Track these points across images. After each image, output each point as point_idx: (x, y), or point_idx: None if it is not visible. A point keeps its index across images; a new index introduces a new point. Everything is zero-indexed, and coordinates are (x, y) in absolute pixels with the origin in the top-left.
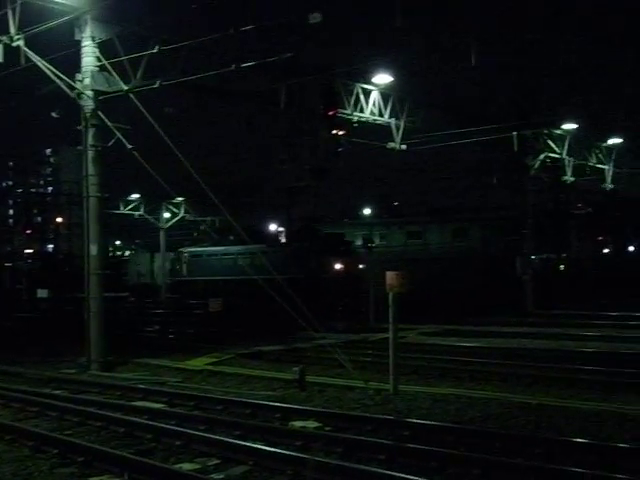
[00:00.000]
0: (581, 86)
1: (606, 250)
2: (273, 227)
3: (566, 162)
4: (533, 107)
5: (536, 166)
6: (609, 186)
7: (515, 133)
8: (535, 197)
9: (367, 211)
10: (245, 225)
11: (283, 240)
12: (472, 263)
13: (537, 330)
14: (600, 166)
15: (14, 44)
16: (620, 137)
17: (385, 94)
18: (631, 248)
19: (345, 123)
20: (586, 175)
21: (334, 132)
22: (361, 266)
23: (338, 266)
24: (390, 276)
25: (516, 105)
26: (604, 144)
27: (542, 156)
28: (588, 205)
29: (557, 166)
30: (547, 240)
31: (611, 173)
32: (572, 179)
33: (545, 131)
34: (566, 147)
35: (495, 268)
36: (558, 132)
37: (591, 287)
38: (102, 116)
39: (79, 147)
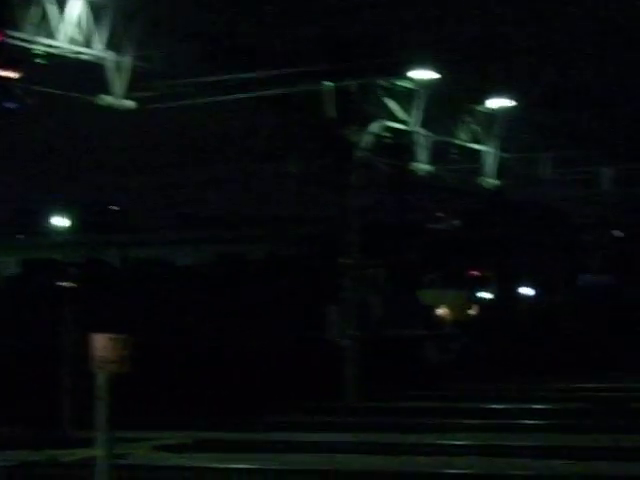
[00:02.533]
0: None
1: (486, 295)
2: None
3: (418, 138)
4: (361, 42)
5: (365, 143)
6: (490, 182)
7: (329, 84)
8: (363, 198)
9: (59, 220)
10: None
11: None
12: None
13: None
14: (476, 146)
15: None
16: (509, 97)
17: (96, 4)
18: (528, 291)
19: (21, 57)
20: (452, 161)
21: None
22: None
23: None
24: (100, 343)
25: (332, 37)
26: (482, 108)
27: (376, 126)
28: (455, 214)
29: (402, 145)
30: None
31: (494, 159)
32: (428, 167)
33: (383, 83)
34: (418, 112)
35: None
36: (405, 85)
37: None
38: None
39: None
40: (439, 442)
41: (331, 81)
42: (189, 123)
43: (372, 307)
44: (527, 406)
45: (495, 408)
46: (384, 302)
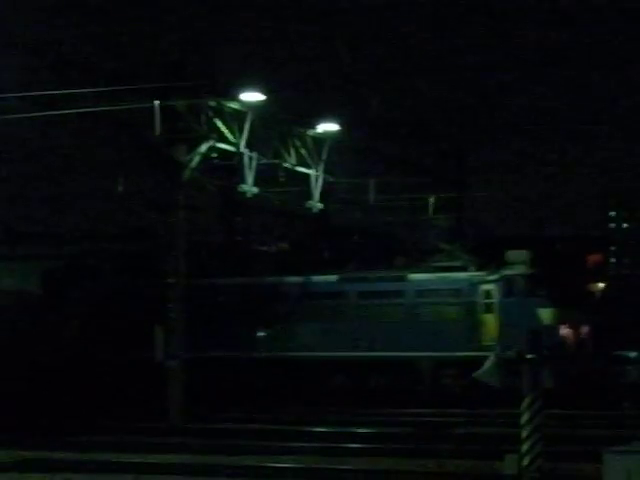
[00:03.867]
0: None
1: None
2: None
3: (246, 160)
4: (191, 63)
5: (194, 163)
6: (316, 205)
7: (157, 103)
8: (196, 220)
9: None
10: None
11: None
12: None
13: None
14: (303, 170)
15: None
16: (335, 122)
17: None
18: None
19: None
20: (280, 184)
21: None
22: None
23: None
24: None
25: (163, 56)
26: (311, 132)
27: (205, 147)
28: (283, 237)
29: (230, 166)
30: None
31: (320, 183)
32: (255, 189)
33: (212, 104)
34: (246, 134)
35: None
36: (234, 107)
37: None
38: None
39: None
40: (262, 464)
41: (160, 99)
42: (14, 137)
43: None
44: (351, 430)
45: (320, 431)
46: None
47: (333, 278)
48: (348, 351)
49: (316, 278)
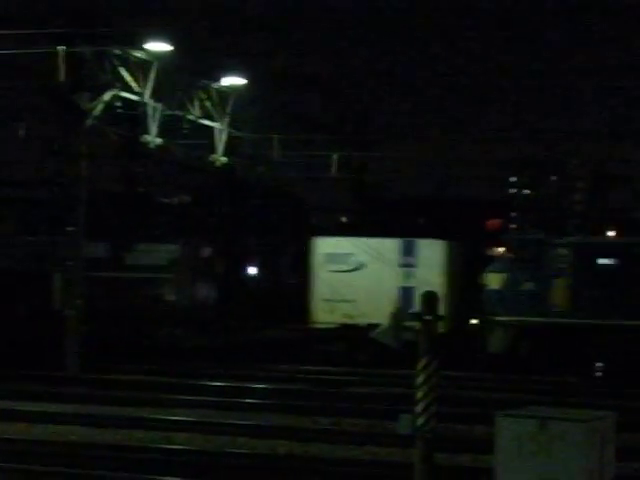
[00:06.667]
0: None
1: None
2: None
3: (150, 110)
4: (98, 9)
5: (97, 111)
6: (219, 159)
7: (62, 48)
8: (98, 169)
9: None
10: None
11: None
12: None
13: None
14: (208, 123)
15: None
16: (241, 76)
17: None
18: (251, 270)
19: None
20: (184, 136)
21: None
22: None
23: None
24: None
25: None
26: (216, 85)
27: (109, 95)
28: (186, 190)
29: (135, 116)
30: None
31: (224, 137)
32: (158, 141)
33: (118, 52)
34: (151, 84)
35: None
36: (140, 56)
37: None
38: None
39: None
40: (158, 417)
41: (65, 45)
42: None
43: None
44: (248, 385)
45: (216, 386)
46: None
47: None
48: None
49: None
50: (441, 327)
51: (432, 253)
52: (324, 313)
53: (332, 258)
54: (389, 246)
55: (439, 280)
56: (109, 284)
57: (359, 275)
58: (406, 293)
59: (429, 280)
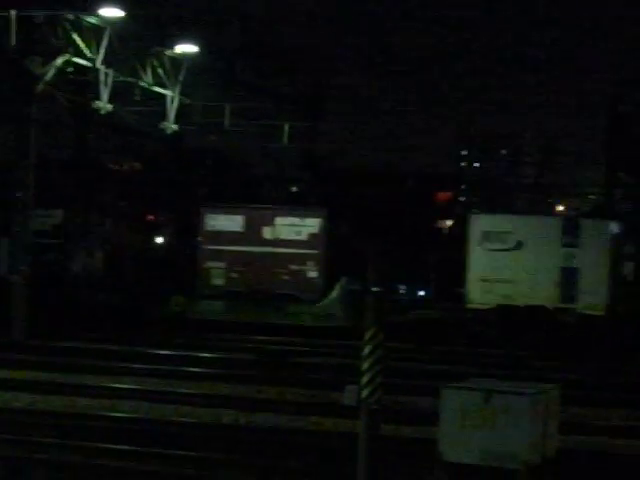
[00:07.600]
0: None
1: (160, 239)
2: None
3: (102, 76)
4: None
5: (49, 76)
6: (170, 127)
7: (13, 12)
8: (48, 134)
9: None
10: None
11: None
12: None
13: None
14: (159, 90)
15: None
16: (194, 43)
17: None
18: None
19: None
20: (136, 103)
21: None
22: None
23: None
24: None
25: None
26: (169, 52)
27: (61, 60)
28: (136, 157)
29: (85, 81)
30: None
31: (176, 104)
32: (109, 107)
33: (70, 17)
34: (103, 50)
35: None
36: (92, 22)
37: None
38: None
39: None
40: (103, 384)
41: (16, 9)
42: None
43: None
44: (194, 354)
45: (161, 354)
46: None
47: None
48: None
49: None
50: (600, 310)
51: (598, 233)
52: (482, 293)
53: (490, 236)
54: (551, 224)
55: (604, 261)
56: None
57: (518, 254)
58: (568, 274)
59: (594, 261)
